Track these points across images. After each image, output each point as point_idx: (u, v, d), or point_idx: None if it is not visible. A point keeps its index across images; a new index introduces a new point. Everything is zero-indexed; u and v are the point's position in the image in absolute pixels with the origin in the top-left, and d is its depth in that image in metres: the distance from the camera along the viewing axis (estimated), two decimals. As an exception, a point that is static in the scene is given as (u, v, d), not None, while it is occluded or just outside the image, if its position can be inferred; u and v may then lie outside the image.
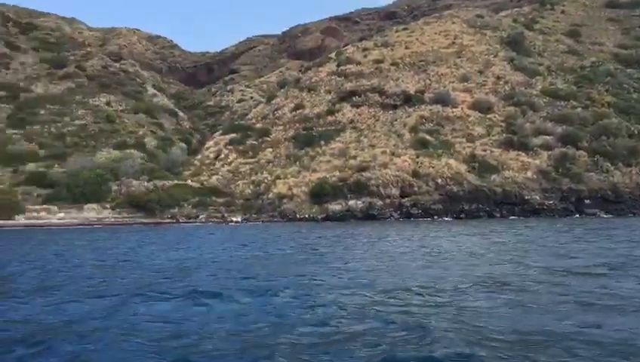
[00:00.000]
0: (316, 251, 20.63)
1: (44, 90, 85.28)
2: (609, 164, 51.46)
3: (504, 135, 56.09)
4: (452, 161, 51.10)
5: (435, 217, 46.36)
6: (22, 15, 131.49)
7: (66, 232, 36.53)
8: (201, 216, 47.68)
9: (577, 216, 47.06)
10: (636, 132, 55.78)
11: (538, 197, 48.80)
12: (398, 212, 46.89)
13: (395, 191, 48.27)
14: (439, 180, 49.16)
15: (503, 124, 58.26)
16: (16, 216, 43.23)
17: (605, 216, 47.06)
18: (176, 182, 53.08)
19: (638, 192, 49.82)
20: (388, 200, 47.79)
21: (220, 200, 49.77)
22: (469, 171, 50.50)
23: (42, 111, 76.26)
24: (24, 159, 60.08)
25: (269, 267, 16.04)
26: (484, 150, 53.54)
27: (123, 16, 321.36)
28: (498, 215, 47.10)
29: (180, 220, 46.78)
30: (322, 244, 23.76)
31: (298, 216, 47.04)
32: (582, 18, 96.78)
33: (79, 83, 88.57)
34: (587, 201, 48.77)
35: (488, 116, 59.61)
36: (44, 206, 45.79)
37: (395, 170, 49.46)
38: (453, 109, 60.38)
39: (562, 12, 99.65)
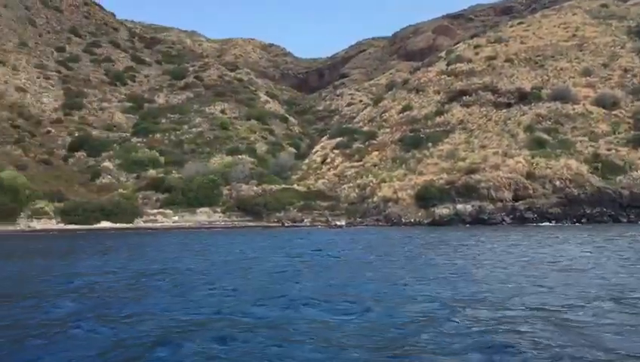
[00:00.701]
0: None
1: (165, 100, 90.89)
2: None
3: (632, 132, 51.15)
4: (572, 162, 47.36)
5: (553, 222, 43.09)
6: (147, 30, 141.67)
7: (181, 234, 38.21)
8: (305, 220, 47.96)
9: None
10: None
11: (674, 200, 43.83)
12: (511, 216, 44.15)
13: (507, 195, 45.58)
14: (557, 182, 45.74)
15: (631, 121, 53.21)
16: (136, 220, 46.04)
17: None
18: (283, 186, 53.93)
19: None
20: (500, 204, 45.21)
21: (325, 203, 49.79)
22: (591, 172, 46.53)
23: (163, 120, 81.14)
24: (146, 166, 64.09)
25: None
26: (609, 149, 49.14)
27: (239, 27, 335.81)
28: (625, 219, 42.86)
29: (286, 224, 47.35)
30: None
31: (403, 220, 45.84)
32: None
33: (197, 92, 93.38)
34: None
35: (614, 112, 54.70)
36: (160, 210, 48.40)
37: (507, 172, 46.70)
38: (574, 106, 56.11)
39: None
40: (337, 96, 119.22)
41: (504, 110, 58.94)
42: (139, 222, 45.67)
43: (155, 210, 48.32)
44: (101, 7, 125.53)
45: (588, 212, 44.08)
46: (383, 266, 17.63)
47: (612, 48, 65.85)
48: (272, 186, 54.27)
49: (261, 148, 74.40)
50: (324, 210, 48.93)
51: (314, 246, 25.79)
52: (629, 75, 60.42)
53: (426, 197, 46.69)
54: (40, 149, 67.28)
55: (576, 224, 42.50)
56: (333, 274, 15.54)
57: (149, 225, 44.87)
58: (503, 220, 43.68)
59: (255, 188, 53.83)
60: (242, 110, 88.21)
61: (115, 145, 71.42)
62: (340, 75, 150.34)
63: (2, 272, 17.88)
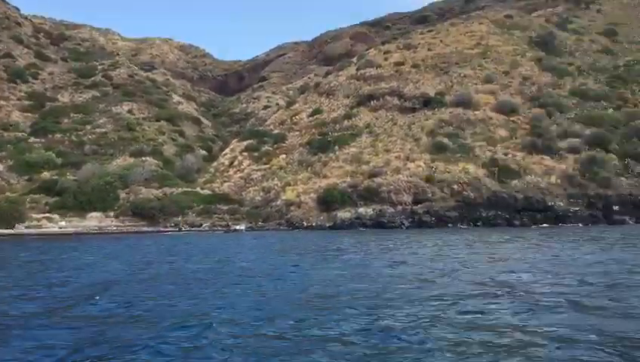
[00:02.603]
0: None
1: (69, 99, 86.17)
2: (641, 168, 47.86)
3: (528, 138, 52.99)
4: (470, 166, 48.38)
5: (450, 225, 43.75)
6: (57, 27, 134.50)
7: (47, 242, 35.66)
8: (204, 225, 46.31)
9: (606, 223, 43.74)
10: (672, 133, 51.83)
11: (562, 204, 45.60)
12: (410, 219, 44.44)
13: (407, 198, 45.89)
14: (455, 186, 46.52)
15: (527, 127, 55.18)
16: (17, 225, 42.74)
17: (636, 223, 43.61)
18: (183, 189, 51.98)
19: (674, 198, 46.00)
20: (400, 208, 45.44)
21: (225, 207, 48.33)
22: (487, 176, 47.69)
23: (66, 120, 76.81)
24: (41, 167, 60.15)
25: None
26: (506, 154, 50.64)
27: (157, 27, 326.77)
28: (518, 223, 44.13)
29: (183, 228, 45.52)
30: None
31: (305, 223, 45.17)
32: (619, 17, 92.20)
33: (104, 92, 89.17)
34: (616, 208, 45.28)
35: (512, 118, 56.60)
36: (46, 214, 45.27)
37: (407, 176, 47.07)
38: (475, 112, 57.59)
39: (598, 11, 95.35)
40: (254, 99, 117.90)
41: (409, 115, 59.70)
42: (20, 228, 42.40)
43: (41, 215, 45.12)
44: (3, 1, 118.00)
45: (484, 215, 45.09)
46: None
47: (513, 57, 68.34)
48: (174, 189, 52.20)
49: (169, 150, 71.78)
50: (224, 214, 47.44)
51: (167, 253, 24.63)
52: (527, 83, 62.82)
53: (328, 201, 46.26)
54: None
55: (473, 227, 43.37)
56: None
57: (31, 231, 41.73)
58: (402, 223, 43.87)
59: (155, 191, 51.58)
60: (152, 111, 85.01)
61: (8, 145, 66.74)
62: (259, 77, 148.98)
63: None
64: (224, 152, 67.67)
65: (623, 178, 47.39)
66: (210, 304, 11.40)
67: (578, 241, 26.82)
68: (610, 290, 12.28)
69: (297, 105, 73.06)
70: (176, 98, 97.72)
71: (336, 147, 56.18)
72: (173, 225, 46.38)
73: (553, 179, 47.45)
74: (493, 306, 10.66)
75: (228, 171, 59.96)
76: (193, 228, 45.48)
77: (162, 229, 44.92)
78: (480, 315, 9.92)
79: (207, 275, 16.24)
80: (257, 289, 13.31)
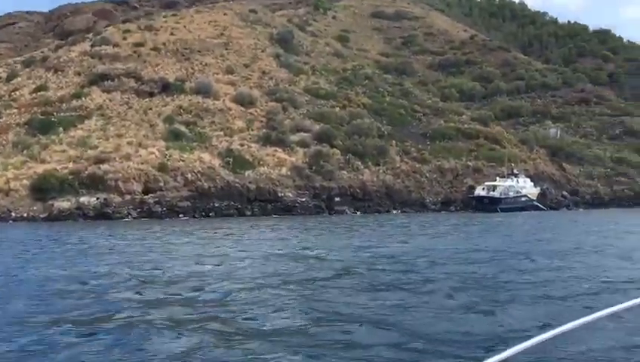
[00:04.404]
0: None
1: None
2: (359, 163, 52.61)
3: (264, 130, 54.36)
4: (205, 155, 47.64)
5: (182, 216, 42.30)
6: None
7: None
8: None
9: (328, 213, 46.92)
10: (386, 133, 58.25)
11: (291, 195, 47.64)
12: (139, 210, 41.79)
13: (137, 187, 43.11)
14: (189, 175, 45.25)
15: (263, 120, 56.59)
16: None
17: (353, 213, 47.70)
18: None
19: (384, 190, 51.57)
20: (128, 197, 42.45)
21: None
22: (222, 166, 47.48)
23: None
24: None
25: None
26: (242, 145, 51.13)
27: None
28: (249, 213, 44.73)
29: None
30: None
31: (14, 214, 39.30)
32: (350, 25, 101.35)
33: None
34: (337, 199, 48.98)
35: (250, 110, 57.50)
36: None
37: (138, 163, 44.29)
38: (215, 101, 57.12)
39: (333, 17, 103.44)
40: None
41: (147, 99, 56.62)
42: None
43: None
44: None
45: (217, 205, 44.66)
46: None
47: (254, 51, 69.77)
48: None
49: None
50: None
51: None
52: (266, 78, 64.64)
53: (44, 189, 40.95)
54: None
55: (205, 218, 42.64)
56: None
57: None
58: (129, 214, 41.02)
59: None
60: None
61: None
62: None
63: None
64: None
65: (344, 171, 51.46)
66: None
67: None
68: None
69: (19, 79, 64.02)
70: None
71: (61, 129, 50.37)
72: None
73: (284, 170, 49.34)
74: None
75: None
76: None
77: None
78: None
79: None
80: None
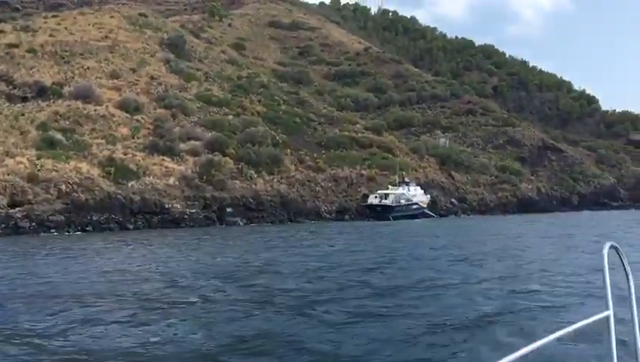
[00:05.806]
0: None
1: None
2: (253, 172, 51.03)
3: (150, 138, 51.35)
4: (83, 165, 43.94)
5: (53, 231, 38.51)
6: None
7: None
8: None
9: (219, 225, 44.90)
10: (281, 141, 57.12)
11: (179, 206, 45.10)
12: (4, 225, 37.54)
13: (2, 200, 38.80)
14: (64, 186, 41.43)
15: (151, 127, 53.56)
16: None
17: (246, 224, 45.99)
18: None
19: (279, 200, 50.30)
20: (-9, 211, 38.07)
21: None
22: (103, 176, 44.03)
23: None
24: None
25: None
26: (126, 153, 47.84)
27: None
28: (132, 226, 41.70)
29: None
30: None
31: None
32: (247, 33, 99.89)
33: None
34: (229, 210, 47.03)
35: (136, 117, 54.20)
36: None
37: (4, 174, 39.96)
38: (97, 107, 53.31)
39: (229, 25, 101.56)
40: None
41: (19, 105, 51.81)
42: None
43: None
44: None
45: (95, 219, 41.23)
46: None
47: (142, 55, 66.33)
48: None
49: None
50: None
51: None
52: (154, 83, 61.49)
53: None
54: None
55: (82, 232, 39.17)
56: None
57: None
58: (-8, 230, 36.74)
59: None
60: None
61: None
62: None
63: None
64: None
65: (237, 181, 49.62)
66: None
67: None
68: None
69: None
70: None
71: None
72: None
73: (172, 180, 46.71)
74: None
75: None
76: None
77: None
78: None
79: None
80: None
